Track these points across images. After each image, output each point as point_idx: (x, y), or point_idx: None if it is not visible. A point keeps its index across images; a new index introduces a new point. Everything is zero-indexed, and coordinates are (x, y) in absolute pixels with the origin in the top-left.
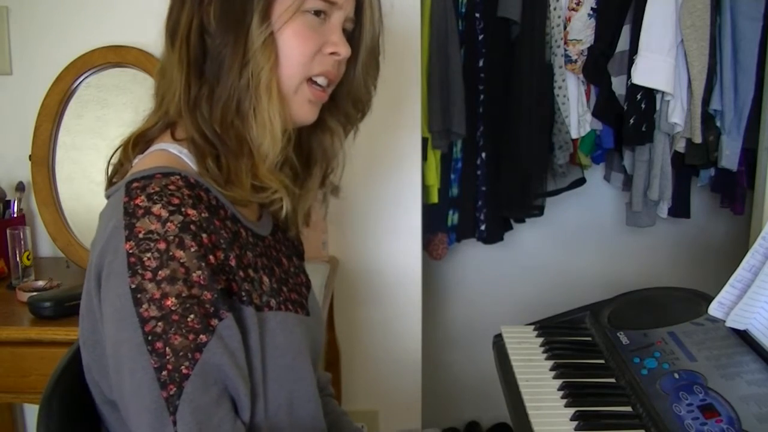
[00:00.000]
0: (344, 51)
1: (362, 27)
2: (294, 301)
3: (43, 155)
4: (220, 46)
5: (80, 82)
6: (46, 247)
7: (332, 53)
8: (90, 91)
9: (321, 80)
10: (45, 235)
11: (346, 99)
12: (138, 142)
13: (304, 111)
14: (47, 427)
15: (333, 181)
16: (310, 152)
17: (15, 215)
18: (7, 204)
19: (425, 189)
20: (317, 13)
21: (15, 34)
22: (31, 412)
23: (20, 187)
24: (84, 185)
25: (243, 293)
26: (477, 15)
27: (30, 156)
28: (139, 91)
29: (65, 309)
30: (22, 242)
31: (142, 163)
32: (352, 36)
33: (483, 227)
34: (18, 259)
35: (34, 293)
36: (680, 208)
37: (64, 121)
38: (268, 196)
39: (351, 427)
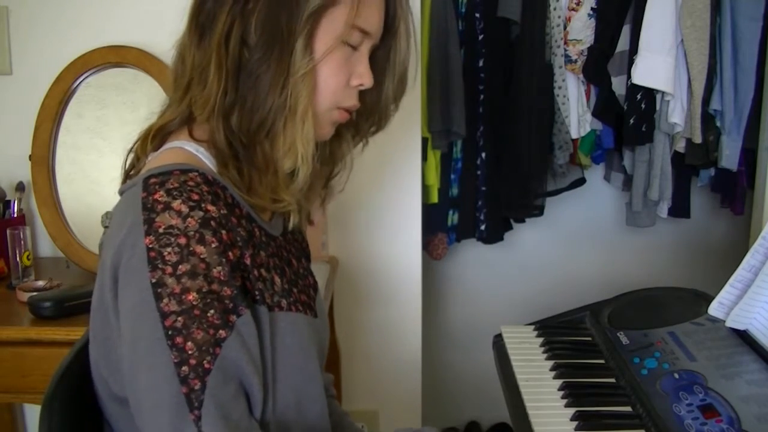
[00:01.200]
0: (369, 82)
1: (393, 53)
2: (303, 303)
3: (43, 155)
4: (259, 62)
5: (80, 82)
6: (46, 247)
7: (358, 84)
8: (90, 91)
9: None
10: (45, 235)
11: (363, 116)
12: (157, 135)
13: (327, 130)
14: (49, 428)
15: (335, 184)
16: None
17: (15, 215)
18: (7, 204)
19: (425, 189)
20: (352, 44)
21: (15, 34)
22: (32, 412)
23: (20, 187)
24: (84, 185)
25: (256, 292)
26: (477, 15)
27: (30, 156)
28: (139, 91)
29: (65, 309)
30: (22, 242)
31: (157, 160)
32: (376, 56)
33: (483, 227)
34: (18, 259)
35: (34, 293)
36: (680, 208)
37: (64, 121)
38: (284, 206)
39: (352, 428)
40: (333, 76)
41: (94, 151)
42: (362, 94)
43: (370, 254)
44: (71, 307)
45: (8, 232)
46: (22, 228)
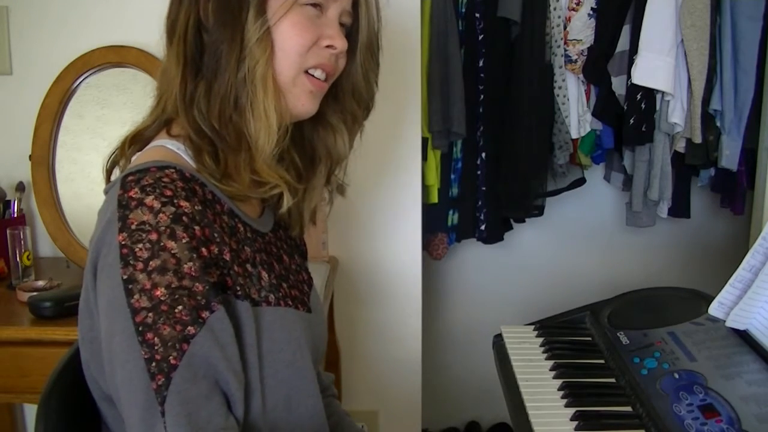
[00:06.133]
0: (340, 44)
1: (358, 22)
2: (294, 298)
3: (43, 155)
4: (217, 42)
5: (80, 82)
6: (46, 247)
7: (328, 46)
8: (90, 91)
9: (318, 73)
10: (45, 235)
11: (348, 95)
12: (135, 141)
13: (303, 102)
14: (45, 426)
15: (338, 179)
16: (313, 151)
17: (15, 215)
18: (7, 204)
19: (425, 189)
20: (314, 5)
21: (15, 34)
22: (31, 412)
23: (20, 187)
24: (84, 185)
25: (238, 288)
26: (477, 15)
27: (30, 156)
28: (139, 91)
29: (65, 309)
30: (22, 242)
31: (139, 159)
32: (351, 30)
33: (483, 227)
34: (18, 259)
35: (34, 293)
36: (680, 208)
37: (64, 121)
38: (267, 191)
39: (353, 428)
40: (295, 37)
41: (94, 151)
42: (342, 74)
43: (370, 254)
44: (71, 307)
45: (8, 232)
46: (22, 228)
